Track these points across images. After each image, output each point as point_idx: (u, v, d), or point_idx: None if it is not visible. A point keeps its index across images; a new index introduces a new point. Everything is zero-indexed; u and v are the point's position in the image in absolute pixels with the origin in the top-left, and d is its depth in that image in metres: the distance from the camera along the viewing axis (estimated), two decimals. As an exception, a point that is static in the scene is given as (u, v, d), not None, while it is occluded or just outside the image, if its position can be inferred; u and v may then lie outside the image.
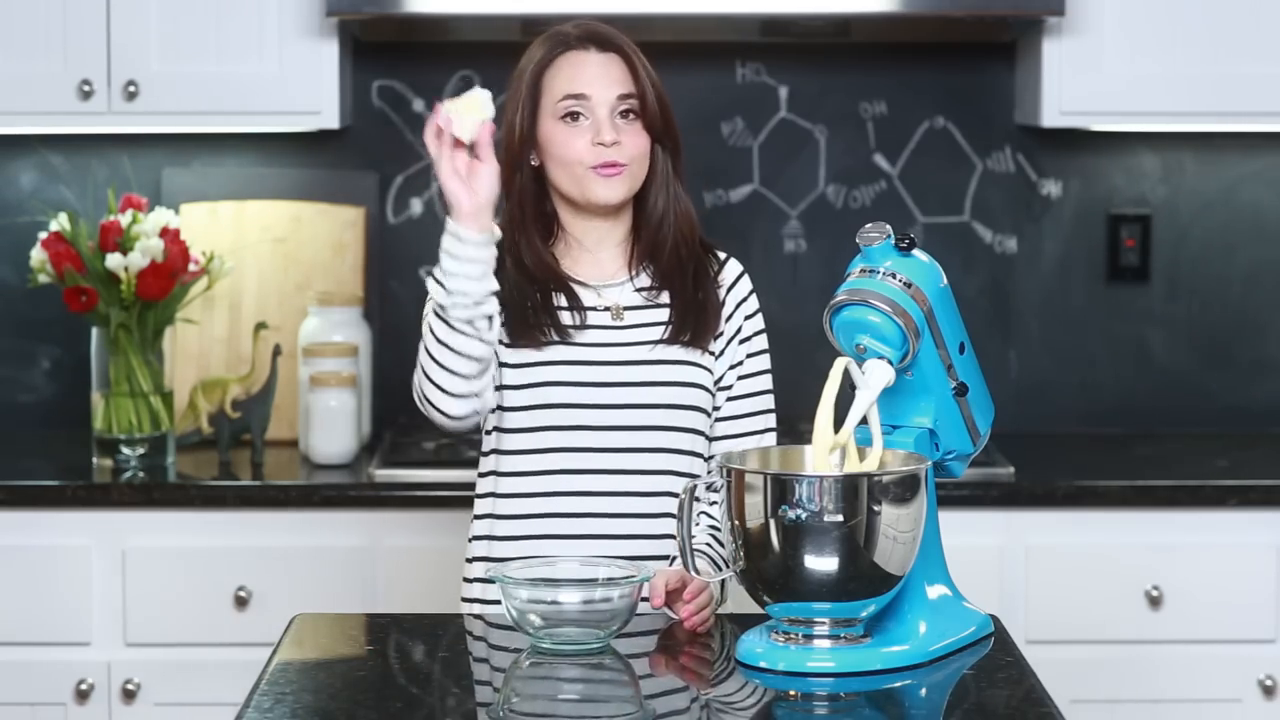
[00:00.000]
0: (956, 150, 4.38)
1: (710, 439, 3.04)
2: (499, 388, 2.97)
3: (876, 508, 2.52)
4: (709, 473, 3.02)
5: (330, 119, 4.06)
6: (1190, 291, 4.41)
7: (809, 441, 2.67)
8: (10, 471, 3.97)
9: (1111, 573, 3.86)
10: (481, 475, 3.06)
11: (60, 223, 4.01)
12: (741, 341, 3.05)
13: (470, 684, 2.63)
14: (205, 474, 3.96)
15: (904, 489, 2.55)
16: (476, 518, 3.05)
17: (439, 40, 4.35)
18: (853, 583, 2.54)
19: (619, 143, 2.96)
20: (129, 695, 3.83)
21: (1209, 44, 4.05)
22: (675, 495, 2.94)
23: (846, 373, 2.65)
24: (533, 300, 2.99)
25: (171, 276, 3.98)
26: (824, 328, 2.69)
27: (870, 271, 2.67)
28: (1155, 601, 3.86)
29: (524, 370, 2.97)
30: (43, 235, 4.04)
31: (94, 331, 4.04)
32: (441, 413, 2.90)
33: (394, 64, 4.35)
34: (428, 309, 2.91)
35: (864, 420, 2.65)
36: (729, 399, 3.05)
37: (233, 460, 4.05)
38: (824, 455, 2.64)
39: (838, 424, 2.64)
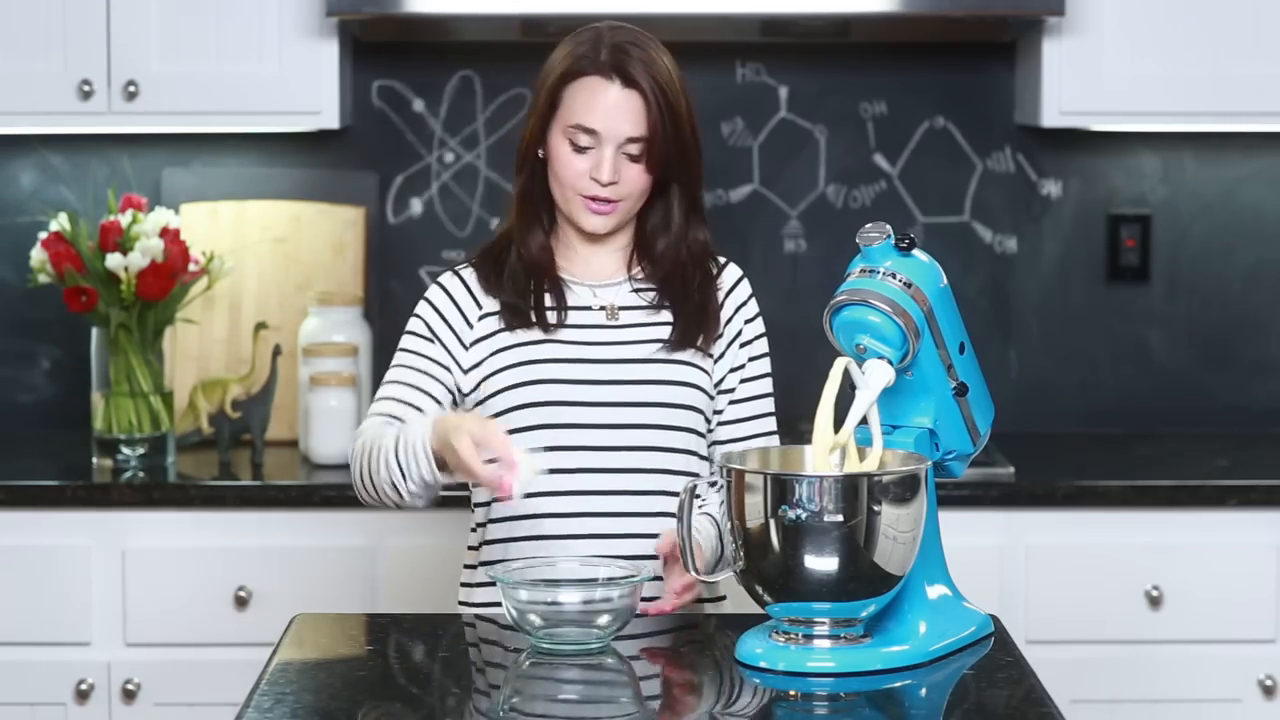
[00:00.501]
0: (956, 150, 4.38)
1: (710, 441, 3.04)
2: (498, 391, 2.97)
3: (876, 508, 2.52)
4: (710, 473, 3.03)
5: (330, 119, 4.06)
6: (1190, 291, 4.41)
7: (809, 441, 2.66)
8: (10, 471, 3.97)
9: (1111, 573, 3.86)
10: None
11: (60, 223, 4.01)
12: (743, 345, 3.05)
13: (470, 684, 2.63)
14: (205, 474, 3.96)
15: (904, 489, 2.54)
16: (475, 510, 3.05)
17: (439, 40, 4.35)
18: (853, 583, 2.54)
19: (615, 183, 2.93)
20: (129, 695, 3.83)
21: (1209, 44, 4.05)
22: (672, 494, 2.94)
23: (846, 373, 2.64)
24: (535, 291, 2.98)
25: (171, 276, 3.98)
26: (824, 328, 2.69)
27: (870, 271, 2.67)
28: (1155, 601, 3.86)
29: (518, 370, 2.96)
30: (43, 235, 4.04)
31: (94, 331, 4.04)
32: (393, 506, 2.94)
33: (394, 64, 4.35)
34: (376, 421, 2.92)
35: (864, 420, 2.65)
36: (730, 402, 3.05)
37: (233, 460, 4.05)
38: (824, 455, 2.64)
39: (838, 424, 2.64)
